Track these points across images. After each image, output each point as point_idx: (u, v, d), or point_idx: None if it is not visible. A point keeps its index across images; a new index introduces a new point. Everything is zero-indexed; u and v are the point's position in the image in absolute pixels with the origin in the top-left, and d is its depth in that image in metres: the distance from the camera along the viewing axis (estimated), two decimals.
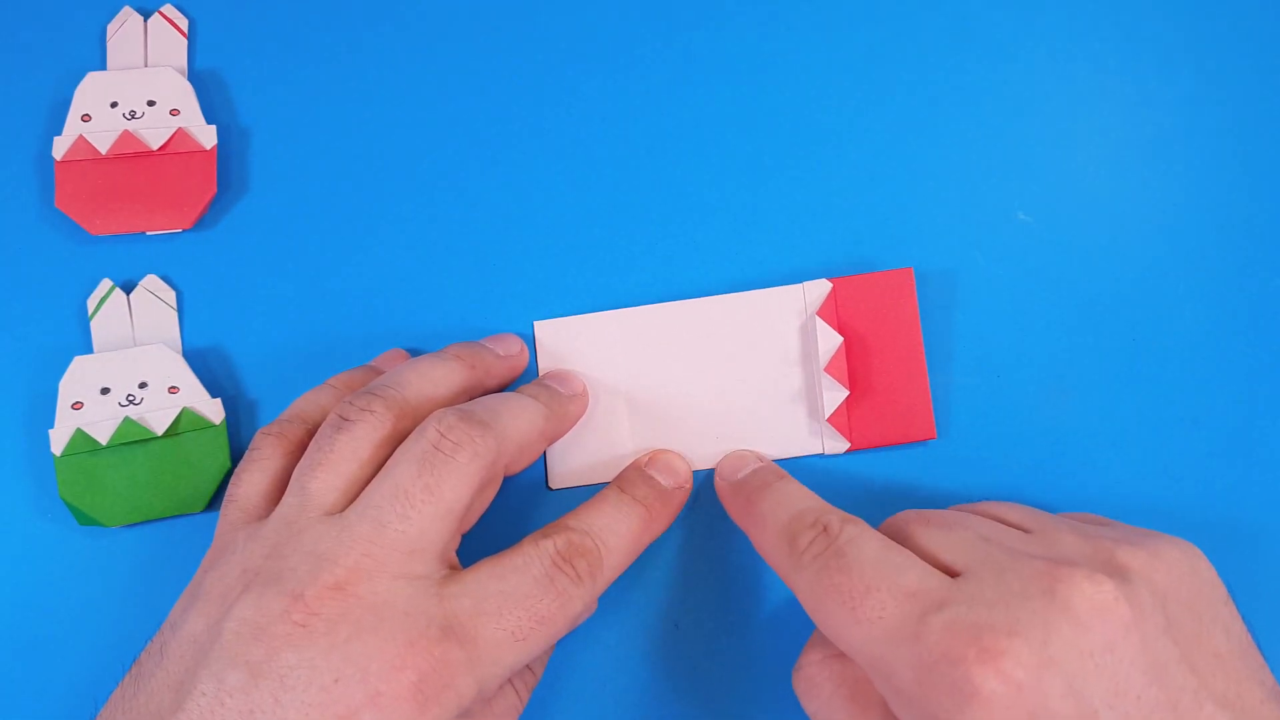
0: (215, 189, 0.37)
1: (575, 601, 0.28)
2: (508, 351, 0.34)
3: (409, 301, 0.37)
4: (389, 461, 0.28)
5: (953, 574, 0.26)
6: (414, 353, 0.37)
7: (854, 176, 0.38)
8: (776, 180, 0.38)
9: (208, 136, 0.38)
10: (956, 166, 0.38)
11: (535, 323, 0.37)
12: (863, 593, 0.25)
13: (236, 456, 0.37)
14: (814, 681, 0.28)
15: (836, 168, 0.38)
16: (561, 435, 0.34)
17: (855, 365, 0.36)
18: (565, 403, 0.33)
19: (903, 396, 0.35)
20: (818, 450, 0.36)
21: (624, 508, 0.31)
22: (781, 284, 0.36)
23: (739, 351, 0.36)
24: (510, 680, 0.29)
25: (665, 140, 0.38)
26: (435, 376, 0.31)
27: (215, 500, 0.37)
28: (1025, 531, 0.27)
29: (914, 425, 0.35)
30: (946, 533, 0.27)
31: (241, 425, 0.37)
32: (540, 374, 0.36)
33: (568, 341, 0.36)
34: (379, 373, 0.34)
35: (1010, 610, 0.23)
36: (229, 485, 0.31)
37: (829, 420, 0.36)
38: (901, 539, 0.28)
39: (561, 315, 0.37)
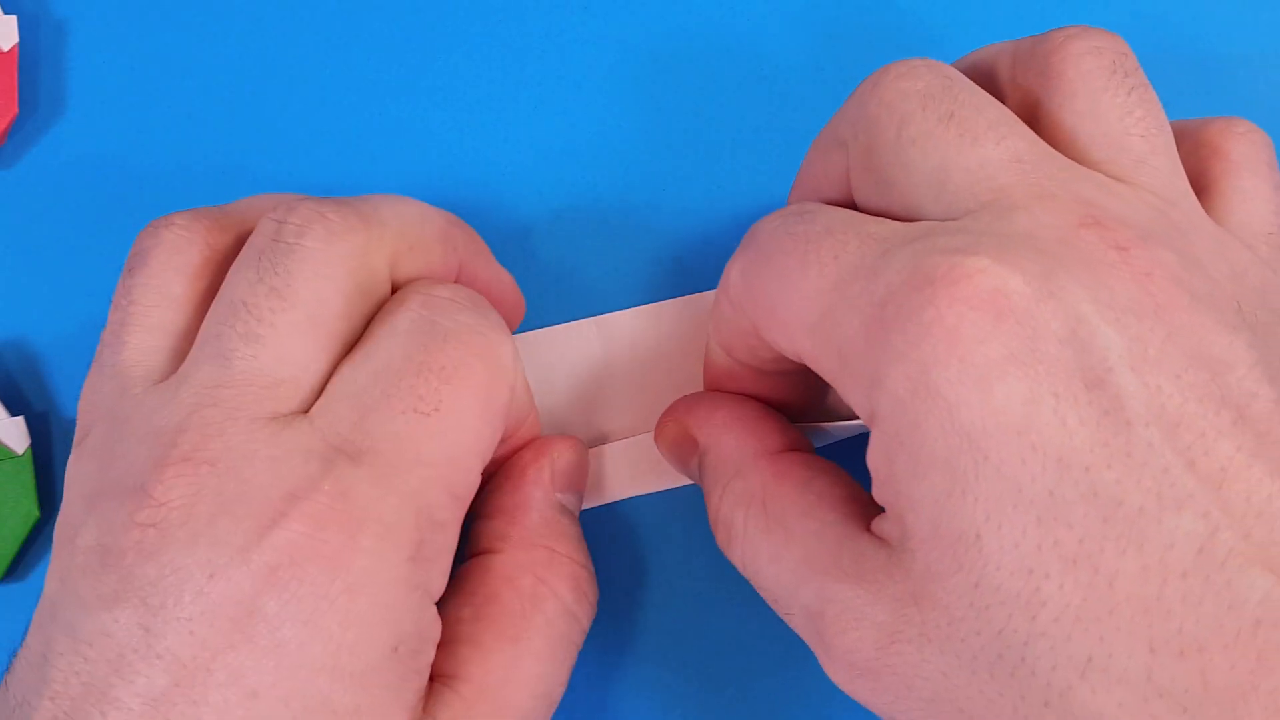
0: (16, 108, 0.32)
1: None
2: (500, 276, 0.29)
3: None
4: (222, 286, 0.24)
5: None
6: None
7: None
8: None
9: (4, 31, 0.33)
10: None
11: None
12: (821, 234, 0.22)
13: (49, 502, 0.30)
14: (729, 522, 0.25)
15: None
16: (479, 274, 0.28)
17: None
18: (483, 249, 0.28)
19: None
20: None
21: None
22: None
23: None
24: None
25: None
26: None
27: (17, 567, 0.30)
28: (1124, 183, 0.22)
29: None
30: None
31: (56, 455, 0.31)
32: None
33: None
34: None
35: (1011, 241, 0.20)
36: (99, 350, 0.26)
37: None
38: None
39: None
